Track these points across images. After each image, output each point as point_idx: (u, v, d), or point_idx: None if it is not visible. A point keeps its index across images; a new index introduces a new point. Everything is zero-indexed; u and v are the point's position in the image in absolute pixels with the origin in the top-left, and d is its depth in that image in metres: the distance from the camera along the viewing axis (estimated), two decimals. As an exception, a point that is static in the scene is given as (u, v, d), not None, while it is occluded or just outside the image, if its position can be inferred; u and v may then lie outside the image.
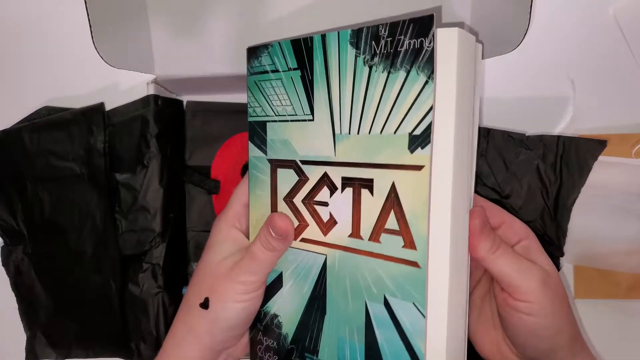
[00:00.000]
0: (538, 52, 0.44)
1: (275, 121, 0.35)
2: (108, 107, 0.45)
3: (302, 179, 0.34)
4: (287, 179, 0.35)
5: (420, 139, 0.28)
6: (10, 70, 0.49)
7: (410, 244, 0.29)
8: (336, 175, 0.32)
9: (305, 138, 0.34)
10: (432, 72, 0.27)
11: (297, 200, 0.34)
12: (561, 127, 0.44)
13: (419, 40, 0.27)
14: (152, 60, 0.43)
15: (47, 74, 0.48)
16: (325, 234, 0.33)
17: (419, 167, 0.28)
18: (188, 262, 0.47)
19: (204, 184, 0.46)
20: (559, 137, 0.42)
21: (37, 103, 0.47)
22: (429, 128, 0.27)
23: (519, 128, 0.43)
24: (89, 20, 0.37)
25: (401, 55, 0.28)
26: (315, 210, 0.34)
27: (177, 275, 0.46)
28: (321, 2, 0.42)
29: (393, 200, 0.29)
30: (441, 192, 0.28)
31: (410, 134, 0.28)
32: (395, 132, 0.29)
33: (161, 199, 0.43)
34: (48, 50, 0.48)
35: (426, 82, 0.27)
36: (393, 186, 0.29)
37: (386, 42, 0.29)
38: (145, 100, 0.43)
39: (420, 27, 0.27)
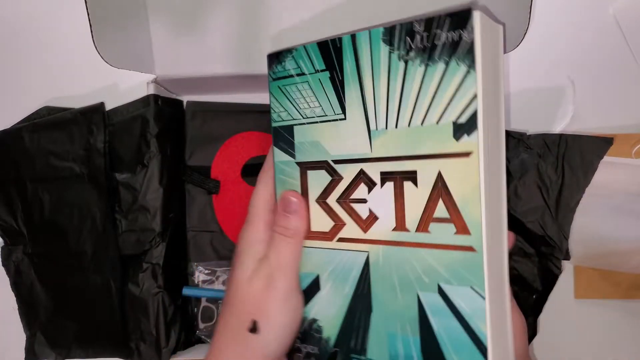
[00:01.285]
0: (538, 52, 0.44)
1: (303, 124, 0.35)
2: (108, 107, 0.45)
3: (336, 178, 0.34)
4: (318, 180, 0.35)
5: (466, 127, 0.28)
6: (10, 70, 0.49)
7: (463, 229, 0.29)
8: (374, 171, 0.32)
9: (337, 137, 0.34)
10: (473, 61, 0.28)
11: (331, 200, 0.34)
12: (561, 126, 0.44)
13: (457, 32, 0.28)
14: (152, 60, 0.43)
15: (47, 74, 0.48)
16: (365, 230, 0.33)
17: (466, 154, 0.28)
18: (188, 262, 0.47)
19: (204, 184, 0.46)
20: (561, 135, 0.42)
21: (37, 103, 0.47)
22: (474, 115, 0.28)
23: (518, 128, 0.43)
24: (89, 20, 0.38)
25: (439, 48, 0.29)
26: (352, 209, 0.33)
27: (177, 275, 0.46)
28: (321, 2, 0.42)
29: (440, 189, 0.30)
30: (489, 176, 0.29)
31: (454, 122, 0.29)
32: (437, 122, 0.29)
33: (161, 198, 0.43)
34: (48, 50, 0.48)
35: (468, 72, 0.28)
36: (440, 175, 0.29)
37: (422, 36, 0.30)
38: (145, 100, 0.43)
39: (459, 20, 0.28)
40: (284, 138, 0.36)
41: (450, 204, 0.29)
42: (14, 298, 0.45)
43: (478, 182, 0.28)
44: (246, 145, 0.47)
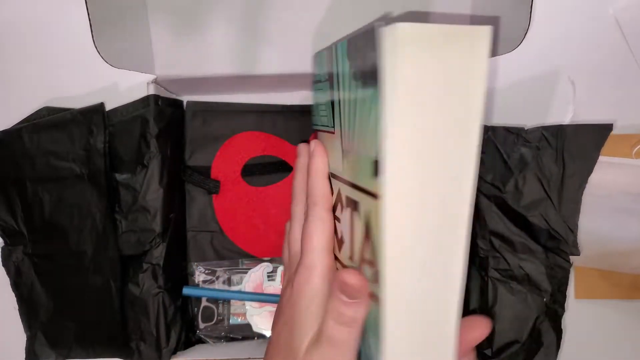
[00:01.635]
0: (538, 52, 0.44)
1: (320, 130, 0.35)
2: (108, 107, 0.45)
3: (331, 191, 0.33)
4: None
5: (379, 166, 0.23)
6: (10, 70, 0.48)
7: (376, 277, 0.25)
8: (343, 192, 0.30)
9: (331, 150, 0.32)
10: (379, 91, 0.22)
11: (337, 212, 0.33)
12: (561, 127, 0.44)
13: (376, 53, 0.22)
14: (152, 60, 0.43)
15: (47, 74, 0.48)
16: (339, 250, 0.31)
17: (376, 196, 0.24)
18: (188, 262, 0.47)
19: (204, 184, 0.46)
20: (559, 127, 0.42)
21: (37, 103, 0.46)
22: (383, 154, 0.23)
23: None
24: (89, 20, 0.38)
25: (370, 70, 0.24)
26: (335, 226, 0.32)
27: (177, 275, 0.46)
28: (321, 2, 0.42)
29: (368, 228, 0.26)
30: (394, 226, 0.24)
31: (373, 158, 0.24)
32: (368, 155, 0.25)
33: (161, 199, 0.43)
34: (48, 50, 0.48)
35: (381, 101, 0.22)
36: (367, 213, 0.26)
37: (364, 55, 0.25)
38: (145, 100, 0.43)
39: (370, 38, 0.23)
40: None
41: (372, 247, 0.25)
42: (14, 298, 0.45)
43: (382, 229, 0.23)
44: (246, 145, 0.47)
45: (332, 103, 0.32)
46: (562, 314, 0.42)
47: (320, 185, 0.32)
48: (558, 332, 0.42)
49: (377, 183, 0.24)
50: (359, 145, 0.27)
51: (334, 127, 0.32)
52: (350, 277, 0.26)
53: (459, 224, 0.25)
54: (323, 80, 0.34)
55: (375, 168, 0.24)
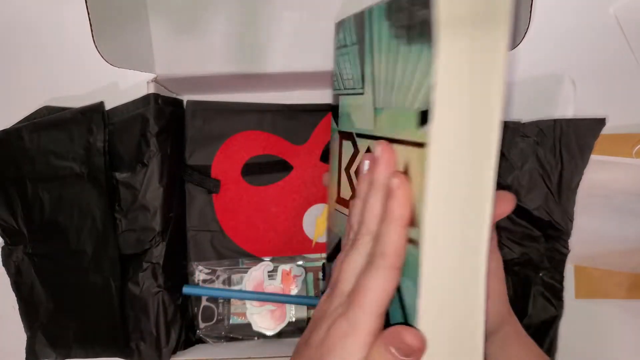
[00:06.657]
0: (538, 52, 0.44)
1: (344, 94, 0.37)
2: (108, 106, 0.45)
3: (355, 151, 0.35)
4: (347, 150, 0.36)
5: (426, 116, 0.26)
6: (10, 70, 0.49)
7: (413, 222, 0.27)
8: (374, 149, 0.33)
9: (359, 111, 0.35)
10: (432, 44, 0.25)
11: (352, 171, 0.36)
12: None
13: (427, 10, 0.25)
14: (152, 59, 0.43)
15: (47, 74, 0.48)
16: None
17: (422, 145, 0.26)
18: (188, 261, 0.47)
19: (204, 183, 0.46)
20: (555, 120, 0.42)
21: (37, 103, 0.47)
22: (432, 104, 0.26)
23: (519, 127, 0.43)
24: (90, 20, 0.37)
25: (416, 26, 0.26)
26: (353, 182, 0.35)
27: (177, 274, 0.46)
28: (321, 2, 0.42)
29: (406, 177, 0.28)
30: (447, 171, 0.26)
31: (420, 109, 0.27)
32: (411, 107, 0.28)
33: (161, 198, 0.43)
34: (48, 50, 0.48)
35: (432, 55, 0.25)
36: (407, 163, 0.28)
37: (408, 12, 0.28)
38: (145, 99, 0.43)
39: None
40: (335, 107, 0.38)
41: (410, 195, 0.28)
42: (14, 298, 0.45)
43: (427, 173, 0.26)
44: (246, 145, 0.47)
45: (362, 65, 0.34)
46: (562, 290, 0.43)
47: (397, 237, 0.28)
48: (559, 301, 0.43)
49: (423, 132, 0.26)
50: (398, 101, 0.29)
51: (362, 88, 0.34)
52: (410, 337, 0.24)
53: (488, 166, 0.27)
54: (350, 45, 0.35)
55: (422, 118, 0.26)
